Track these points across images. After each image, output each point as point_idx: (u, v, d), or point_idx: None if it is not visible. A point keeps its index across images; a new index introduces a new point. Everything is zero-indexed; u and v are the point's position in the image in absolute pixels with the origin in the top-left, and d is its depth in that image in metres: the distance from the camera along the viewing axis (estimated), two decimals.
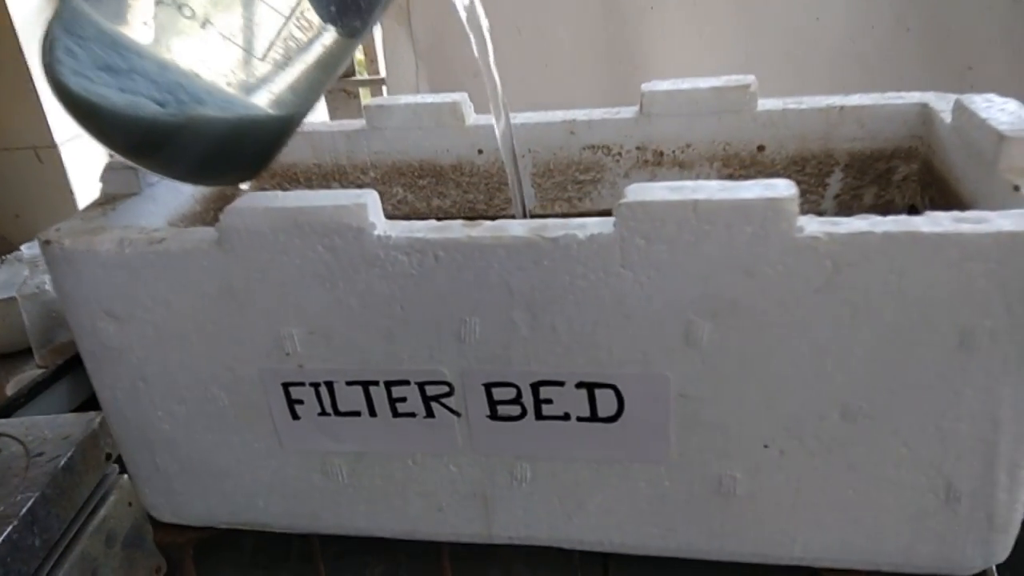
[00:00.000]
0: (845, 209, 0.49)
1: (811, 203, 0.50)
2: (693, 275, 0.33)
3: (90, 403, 0.89)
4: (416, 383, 0.39)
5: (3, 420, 0.66)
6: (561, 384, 0.37)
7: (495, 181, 0.53)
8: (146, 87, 0.34)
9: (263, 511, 0.45)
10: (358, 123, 0.53)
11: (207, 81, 0.36)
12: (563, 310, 0.35)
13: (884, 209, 0.49)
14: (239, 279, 0.37)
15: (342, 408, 0.40)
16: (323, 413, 0.40)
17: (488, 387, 0.38)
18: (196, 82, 0.35)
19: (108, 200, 0.44)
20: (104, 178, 0.45)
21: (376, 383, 0.39)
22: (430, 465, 0.41)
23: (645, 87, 0.49)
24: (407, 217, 0.55)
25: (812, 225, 0.32)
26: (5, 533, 0.51)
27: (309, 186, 0.56)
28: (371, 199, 0.36)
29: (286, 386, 0.40)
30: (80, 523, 0.58)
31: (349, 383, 0.39)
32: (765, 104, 0.48)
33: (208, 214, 0.51)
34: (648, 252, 0.33)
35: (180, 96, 0.35)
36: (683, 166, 0.50)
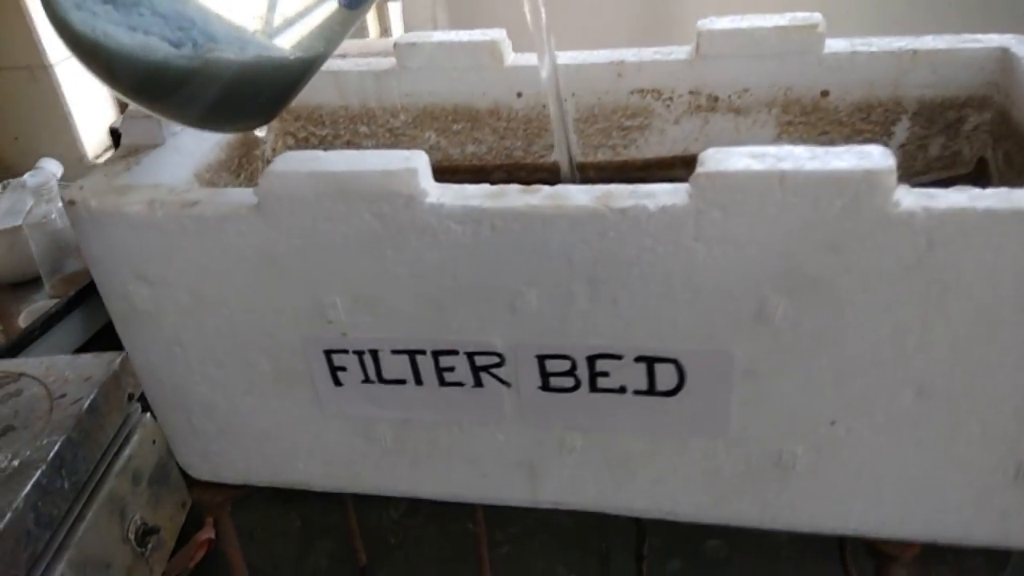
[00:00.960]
0: (910, 159, 0.47)
1: None
2: (772, 250, 0.31)
3: (104, 333, 0.89)
4: (465, 353, 0.37)
5: (22, 359, 0.65)
6: (619, 358, 0.36)
7: (534, 127, 0.50)
8: (156, 24, 0.31)
9: (303, 472, 0.44)
10: (388, 62, 0.50)
11: (222, 19, 0.33)
12: (627, 283, 0.33)
13: (950, 160, 0.46)
14: (280, 246, 0.35)
15: (387, 376, 0.39)
16: (367, 380, 0.39)
17: (541, 359, 0.36)
18: (210, 19, 0.32)
19: (131, 152, 0.41)
20: (125, 128, 0.42)
21: (423, 352, 0.37)
22: (476, 433, 0.40)
23: (701, 24, 0.45)
24: (439, 165, 0.52)
25: (908, 198, 0.29)
26: (35, 478, 0.50)
27: (335, 130, 0.53)
28: (422, 162, 0.33)
29: (329, 353, 0.38)
30: (106, 464, 0.58)
31: (395, 352, 0.38)
32: (832, 46, 0.44)
33: (233, 162, 0.48)
34: (725, 225, 0.31)
35: (194, 35, 0.32)
36: (739, 112, 0.47)
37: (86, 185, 0.37)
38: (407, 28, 0.84)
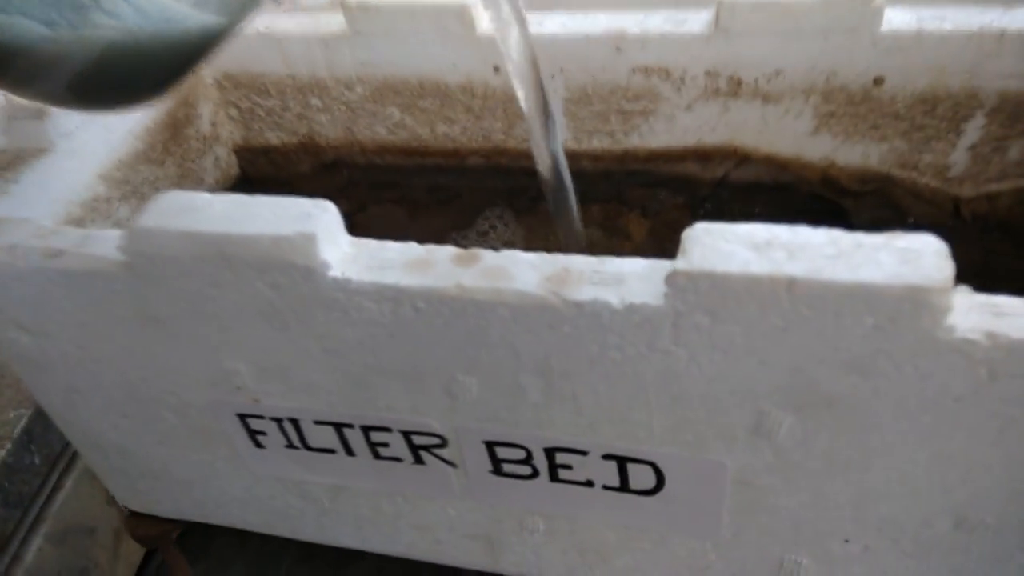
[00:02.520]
0: (981, 163, 0.37)
1: (936, 152, 0.37)
2: (776, 364, 0.23)
3: None
4: (400, 431, 0.30)
5: None
6: (583, 453, 0.29)
7: (517, 106, 0.41)
8: None
9: (238, 517, 0.39)
10: (337, 24, 0.41)
11: None
12: (588, 381, 0.26)
13: None
14: (161, 308, 0.28)
15: (313, 445, 0.32)
16: (291, 446, 0.33)
17: (490, 445, 0.30)
18: None
19: (12, 161, 0.34)
20: (5, 130, 0.35)
21: (351, 426, 0.31)
22: (424, 504, 0.34)
23: None
24: (407, 146, 0.44)
25: (967, 321, 0.21)
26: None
27: (283, 101, 0.44)
28: (323, 224, 0.25)
29: (243, 416, 0.32)
30: None
31: (318, 422, 0.31)
32: (892, 20, 0.34)
33: (155, 150, 0.41)
34: (713, 332, 0.23)
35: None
36: (768, 99, 0.37)
37: None
38: None
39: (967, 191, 0.38)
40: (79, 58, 0.25)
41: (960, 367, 0.22)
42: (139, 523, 0.42)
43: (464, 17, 0.38)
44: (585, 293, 0.24)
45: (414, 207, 0.45)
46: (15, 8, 0.24)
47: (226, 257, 0.26)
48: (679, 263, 0.22)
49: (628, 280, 0.24)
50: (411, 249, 0.26)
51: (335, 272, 0.25)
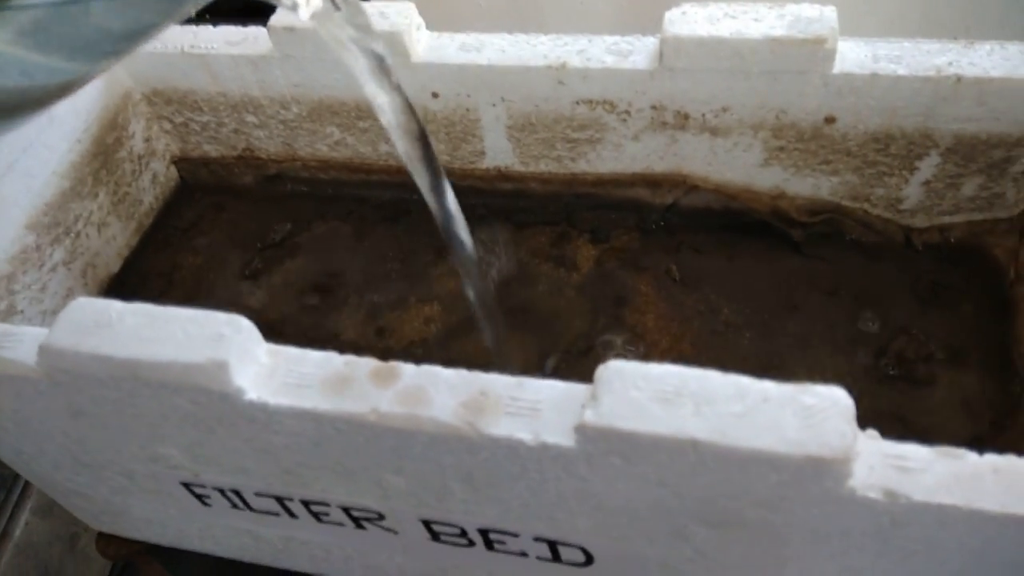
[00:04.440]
0: (935, 198, 0.36)
1: (890, 187, 0.36)
2: (688, 497, 0.24)
3: None
4: (338, 506, 0.31)
5: None
6: (515, 535, 0.29)
7: (458, 130, 0.39)
8: None
9: (200, 546, 0.40)
10: (264, 46, 0.38)
11: None
12: (512, 490, 0.26)
13: (988, 202, 0.35)
14: (86, 405, 0.28)
15: (257, 508, 0.33)
16: (236, 507, 0.34)
17: (426, 523, 0.30)
18: None
19: None
20: None
21: (291, 499, 0.31)
22: (371, 555, 0.35)
23: (668, 25, 0.33)
24: (349, 163, 0.42)
25: (871, 476, 0.21)
26: None
27: (217, 117, 0.42)
28: (236, 346, 0.25)
29: (187, 485, 0.33)
30: None
31: (258, 494, 0.32)
32: (845, 60, 0.32)
33: (84, 184, 0.39)
34: (627, 470, 0.23)
35: None
36: (716, 133, 0.36)
37: None
38: None
39: (919, 222, 0.37)
40: None
41: (863, 515, 0.22)
42: (108, 543, 0.43)
43: (397, 44, 0.36)
44: (501, 427, 0.23)
45: (361, 223, 0.43)
46: None
47: (140, 379, 0.25)
48: (588, 414, 0.22)
49: (543, 412, 0.24)
50: (330, 362, 0.26)
51: (251, 396, 0.25)
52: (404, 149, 0.28)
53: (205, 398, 0.25)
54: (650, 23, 0.36)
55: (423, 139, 0.28)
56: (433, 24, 0.37)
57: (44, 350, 0.26)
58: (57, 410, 0.29)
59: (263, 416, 0.26)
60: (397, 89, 0.27)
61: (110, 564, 0.59)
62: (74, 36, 0.24)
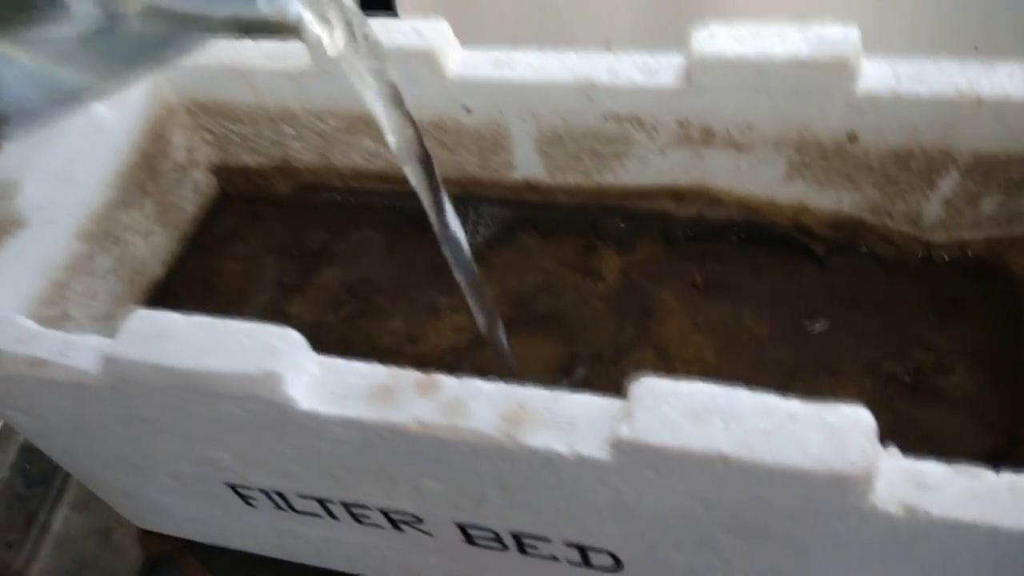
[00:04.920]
0: (954, 213, 0.37)
1: (910, 203, 0.37)
2: (717, 508, 0.25)
3: None
4: (377, 508, 0.32)
5: None
6: (547, 540, 0.31)
7: (489, 144, 0.41)
8: None
9: (242, 544, 0.42)
10: (303, 61, 0.40)
11: None
12: (547, 498, 0.27)
13: (1008, 219, 0.36)
14: (146, 412, 0.30)
15: (299, 509, 0.35)
16: (279, 508, 0.35)
17: (461, 526, 0.32)
18: None
19: None
20: None
21: (332, 501, 0.33)
22: (408, 556, 0.37)
23: (695, 44, 0.34)
24: (383, 174, 0.44)
25: (892, 491, 0.22)
26: (20, 442, 0.50)
27: (256, 128, 0.44)
28: (287, 359, 0.26)
29: (232, 486, 0.34)
30: None
31: (301, 496, 0.33)
32: (868, 80, 0.33)
33: (132, 195, 0.41)
34: (659, 482, 0.24)
35: None
36: (740, 149, 0.37)
37: None
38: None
39: (939, 237, 0.38)
40: None
41: (884, 528, 0.23)
42: (151, 539, 0.45)
43: (431, 62, 0.37)
44: (538, 439, 0.25)
45: (393, 233, 0.45)
46: None
47: (197, 388, 0.27)
48: (623, 429, 0.23)
49: (578, 425, 0.25)
50: (375, 373, 0.27)
51: (303, 406, 0.27)
52: (410, 170, 0.30)
53: (258, 407, 0.27)
54: (672, 31, 0.37)
55: (427, 162, 0.30)
56: (457, 29, 0.38)
57: (108, 360, 0.27)
58: (114, 415, 0.31)
59: (312, 424, 0.27)
60: (407, 116, 0.28)
61: (142, 557, 0.61)
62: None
